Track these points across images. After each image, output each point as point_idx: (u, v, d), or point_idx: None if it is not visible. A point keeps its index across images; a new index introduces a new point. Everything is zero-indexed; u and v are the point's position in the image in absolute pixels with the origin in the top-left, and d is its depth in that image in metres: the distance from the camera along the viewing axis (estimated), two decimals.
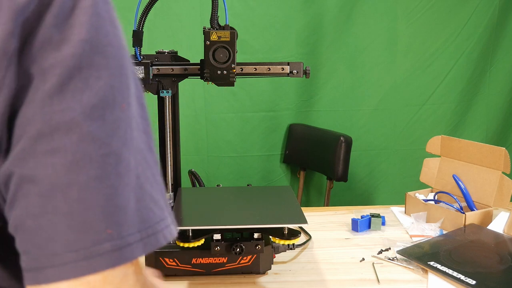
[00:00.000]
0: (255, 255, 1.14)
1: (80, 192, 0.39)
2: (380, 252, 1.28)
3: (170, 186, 1.36)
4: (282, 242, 1.08)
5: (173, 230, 0.45)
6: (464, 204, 1.47)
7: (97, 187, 0.40)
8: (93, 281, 0.39)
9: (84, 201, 0.39)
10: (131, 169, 0.42)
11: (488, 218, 1.41)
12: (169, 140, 1.35)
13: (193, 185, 1.46)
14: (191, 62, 1.29)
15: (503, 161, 1.41)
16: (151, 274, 0.55)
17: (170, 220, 0.45)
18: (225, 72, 1.20)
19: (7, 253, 0.43)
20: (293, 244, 1.10)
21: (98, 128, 0.40)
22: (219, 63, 1.19)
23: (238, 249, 1.07)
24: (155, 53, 1.29)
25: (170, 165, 1.36)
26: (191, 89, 2.36)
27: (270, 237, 1.13)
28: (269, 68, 1.27)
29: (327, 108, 2.51)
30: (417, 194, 1.57)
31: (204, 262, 1.14)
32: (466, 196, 1.47)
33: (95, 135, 0.40)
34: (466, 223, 1.37)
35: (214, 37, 1.18)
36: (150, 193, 0.44)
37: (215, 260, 1.14)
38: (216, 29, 1.19)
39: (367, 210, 1.52)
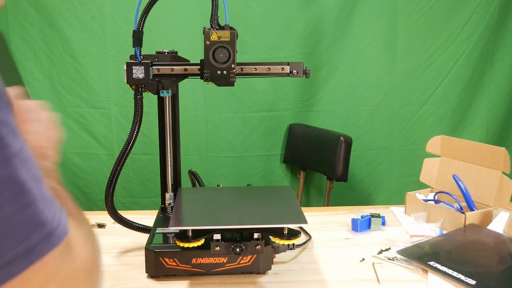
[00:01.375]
0: (255, 255, 1.14)
1: None
2: (380, 252, 1.28)
3: (170, 186, 1.36)
4: (282, 242, 1.08)
5: (65, 226, 0.47)
6: (464, 204, 1.47)
7: None
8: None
9: None
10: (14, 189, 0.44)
11: (488, 218, 1.41)
12: (169, 140, 1.35)
13: (193, 185, 1.46)
14: (191, 62, 1.29)
15: (503, 161, 1.41)
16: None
17: (63, 219, 0.48)
18: (225, 72, 1.20)
19: None
20: (293, 244, 1.10)
21: None
22: (219, 63, 1.19)
23: (238, 249, 1.07)
24: (155, 53, 1.29)
25: (170, 165, 1.36)
26: (191, 89, 2.37)
27: (270, 237, 1.13)
28: (269, 68, 1.27)
29: (327, 108, 2.51)
30: (417, 194, 1.57)
31: (204, 262, 1.14)
32: (466, 196, 1.47)
33: None
34: (466, 223, 1.37)
35: (214, 37, 1.18)
36: (39, 199, 0.46)
37: (215, 260, 1.14)
38: (216, 29, 1.19)
39: (367, 210, 1.52)
